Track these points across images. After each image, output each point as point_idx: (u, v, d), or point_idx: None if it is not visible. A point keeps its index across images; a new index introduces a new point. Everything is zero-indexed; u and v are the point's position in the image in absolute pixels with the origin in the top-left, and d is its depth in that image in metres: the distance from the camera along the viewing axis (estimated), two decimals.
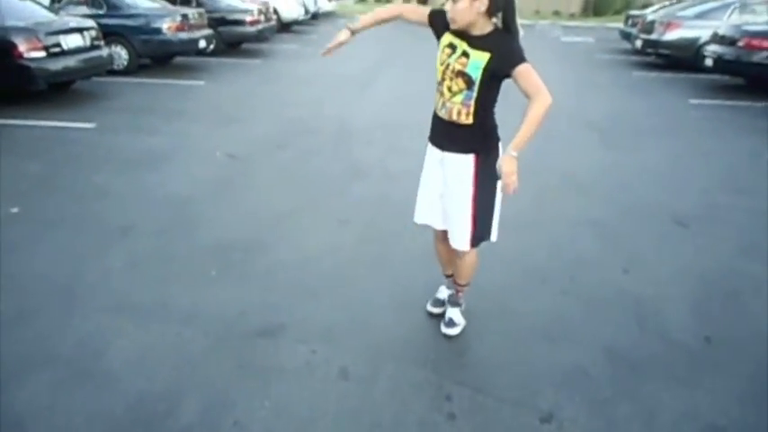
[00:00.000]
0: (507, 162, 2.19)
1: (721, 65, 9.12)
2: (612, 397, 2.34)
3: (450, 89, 2.29)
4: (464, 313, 2.80)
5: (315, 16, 21.82)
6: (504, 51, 2.18)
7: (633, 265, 3.46)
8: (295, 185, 4.74)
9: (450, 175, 2.43)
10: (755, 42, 8.51)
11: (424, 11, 2.44)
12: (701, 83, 9.93)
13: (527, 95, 2.19)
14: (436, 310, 2.89)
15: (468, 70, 2.21)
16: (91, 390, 2.31)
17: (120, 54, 9.08)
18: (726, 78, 9.72)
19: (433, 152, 2.50)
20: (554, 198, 4.50)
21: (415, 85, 9.36)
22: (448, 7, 2.20)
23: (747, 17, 11.03)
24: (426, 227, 2.69)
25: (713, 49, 9.34)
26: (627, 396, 2.35)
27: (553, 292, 3.14)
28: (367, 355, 2.57)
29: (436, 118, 2.43)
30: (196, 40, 9.83)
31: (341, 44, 2.51)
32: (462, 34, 2.25)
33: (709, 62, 9.38)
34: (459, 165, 2.38)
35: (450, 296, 2.84)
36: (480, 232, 2.47)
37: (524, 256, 3.52)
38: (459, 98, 2.28)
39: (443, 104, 2.34)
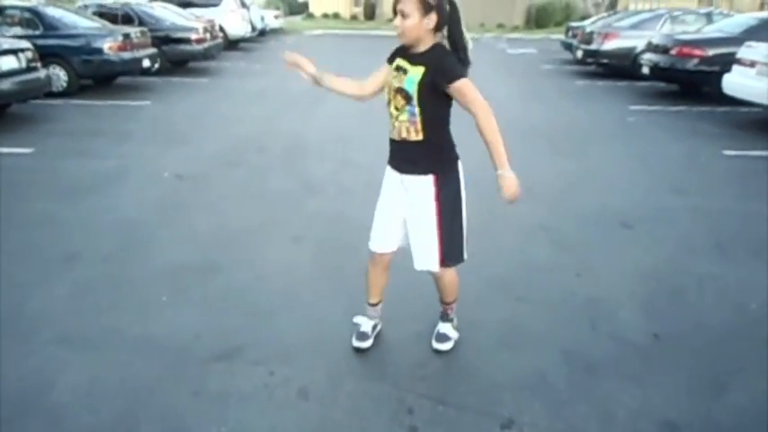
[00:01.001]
0: (511, 183, 2.28)
1: (657, 72, 9.56)
2: (570, 399, 2.38)
3: (396, 108, 2.30)
4: (456, 327, 2.76)
5: (262, 33, 21.72)
6: (438, 65, 2.19)
7: (585, 268, 3.55)
8: (247, 204, 4.67)
9: (412, 198, 2.41)
10: (687, 50, 8.96)
11: (382, 69, 2.44)
12: (640, 90, 10.37)
13: (468, 111, 2.22)
14: (364, 345, 2.69)
15: (404, 86, 2.24)
16: (36, 430, 2.19)
17: (59, 75, 8.80)
18: (662, 85, 10.18)
19: (392, 176, 2.47)
20: (506, 205, 4.57)
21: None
22: (397, 22, 2.20)
23: (678, 27, 11.64)
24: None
25: (649, 57, 9.79)
26: (584, 397, 2.39)
27: (509, 299, 3.18)
28: (326, 374, 2.53)
29: (391, 142, 2.41)
30: (140, 60, 9.61)
31: (299, 69, 2.50)
32: (407, 53, 2.28)
33: (645, 70, 9.82)
34: (419, 186, 2.37)
35: (441, 313, 2.75)
36: (449, 252, 2.44)
37: (479, 264, 3.53)
38: (404, 116, 2.28)
39: (393, 125, 2.35)
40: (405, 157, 2.38)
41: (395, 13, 2.20)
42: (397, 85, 2.27)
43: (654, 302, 3.15)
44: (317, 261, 3.66)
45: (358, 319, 2.79)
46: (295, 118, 8.03)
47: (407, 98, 2.24)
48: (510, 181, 2.27)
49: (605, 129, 7.71)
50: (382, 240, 2.56)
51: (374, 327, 2.78)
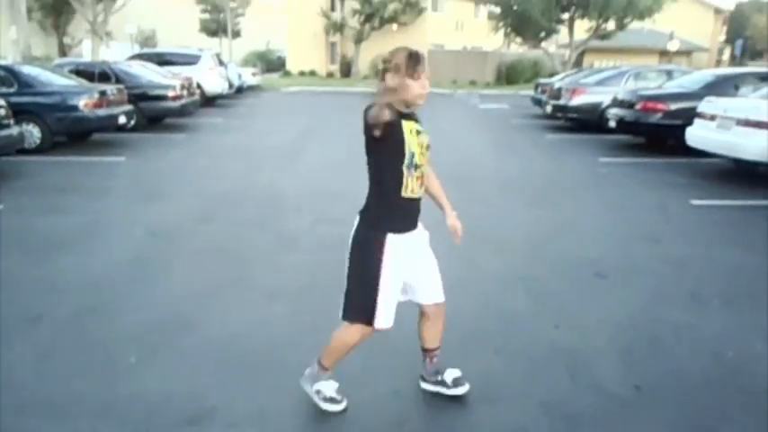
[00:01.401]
0: (456, 219, 2.55)
1: (623, 126, 9.91)
2: None
3: (417, 166, 2.29)
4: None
5: (240, 90, 22.05)
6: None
7: (562, 319, 3.54)
8: (221, 259, 4.60)
9: (416, 248, 2.44)
10: (650, 105, 9.35)
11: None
12: (608, 143, 10.70)
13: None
14: (340, 407, 2.57)
15: (429, 142, 2.37)
16: None
17: (33, 132, 8.74)
18: (628, 138, 10.53)
19: (403, 242, 2.35)
20: (481, 257, 4.59)
21: (341, 154, 9.52)
22: (426, 87, 2.24)
23: (641, 83, 12.16)
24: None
25: (615, 111, 10.16)
26: None
27: (487, 352, 3.14)
28: None
29: (410, 202, 2.33)
30: (115, 116, 9.63)
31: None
32: (405, 115, 2.26)
33: (612, 124, 10.17)
34: (419, 235, 2.46)
35: (435, 365, 2.69)
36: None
37: (456, 316, 3.49)
38: (419, 171, 2.32)
39: (421, 183, 2.33)
40: (416, 214, 2.43)
41: (424, 75, 2.23)
42: (427, 142, 2.34)
43: (632, 352, 3.14)
44: (293, 317, 3.59)
45: (319, 386, 2.61)
46: (270, 173, 8.06)
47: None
48: (457, 218, 2.57)
49: (577, 180, 7.89)
50: (393, 316, 2.41)
51: (336, 388, 2.63)
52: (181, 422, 2.52)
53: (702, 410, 2.63)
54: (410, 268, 2.43)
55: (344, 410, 2.58)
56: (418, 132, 2.30)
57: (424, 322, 2.62)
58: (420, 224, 2.47)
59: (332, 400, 2.59)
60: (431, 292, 2.52)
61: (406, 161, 2.24)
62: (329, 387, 2.61)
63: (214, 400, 2.67)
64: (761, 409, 2.61)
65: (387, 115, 2.10)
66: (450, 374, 2.69)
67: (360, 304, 2.38)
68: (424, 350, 2.69)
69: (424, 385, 2.74)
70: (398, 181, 2.27)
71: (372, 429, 2.50)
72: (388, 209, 2.33)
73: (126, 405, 2.64)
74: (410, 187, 2.29)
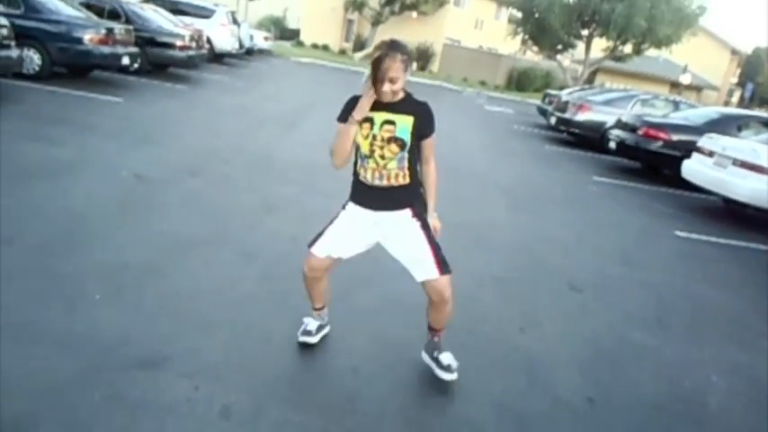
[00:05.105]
0: (436, 220, 2.65)
1: (623, 148, 9.93)
2: None
3: (382, 157, 2.41)
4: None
5: (249, 52, 21.83)
6: (425, 116, 2.44)
7: (529, 323, 3.56)
8: (202, 214, 4.56)
9: (390, 230, 2.56)
10: (652, 132, 9.37)
11: (347, 133, 2.48)
12: (605, 162, 10.74)
13: (424, 160, 2.55)
14: (310, 340, 2.82)
15: (398, 134, 2.39)
16: None
17: (33, 58, 8.58)
18: (625, 161, 10.57)
19: (360, 213, 2.56)
20: (460, 253, 4.58)
21: None
22: (386, 89, 2.31)
23: (647, 109, 12.19)
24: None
25: (616, 133, 10.18)
26: None
27: (451, 344, 3.14)
28: (253, 396, 2.43)
29: (367, 187, 2.50)
30: (119, 56, 9.49)
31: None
32: (383, 105, 2.39)
33: (612, 145, 10.19)
34: (396, 218, 2.54)
35: (435, 343, 2.79)
36: (442, 259, 2.56)
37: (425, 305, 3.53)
38: (393, 163, 2.43)
39: (379, 174, 2.45)
40: (386, 199, 2.51)
41: (381, 81, 2.29)
42: (388, 135, 2.39)
43: (592, 366, 3.16)
44: (263, 281, 3.57)
45: (306, 319, 2.88)
46: (266, 138, 7.99)
47: (402, 146, 2.40)
48: (438, 221, 2.67)
49: (568, 194, 7.91)
50: (327, 249, 2.60)
51: (320, 327, 2.87)
52: (133, 364, 2.50)
53: None
54: (392, 249, 2.61)
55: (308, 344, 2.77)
56: (385, 123, 2.39)
57: (428, 301, 2.70)
58: (405, 211, 2.54)
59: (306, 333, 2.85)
60: (418, 269, 2.58)
61: (358, 152, 2.48)
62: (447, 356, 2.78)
63: (170, 349, 2.65)
64: None
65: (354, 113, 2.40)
66: (446, 358, 2.76)
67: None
68: (428, 326, 2.80)
69: (423, 355, 2.84)
70: (357, 166, 2.53)
71: (326, 400, 2.50)
72: (352, 184, 2.61)
73: (82, 339, 2.61)
74: (362, 174, 2.50)
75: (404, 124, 2.40)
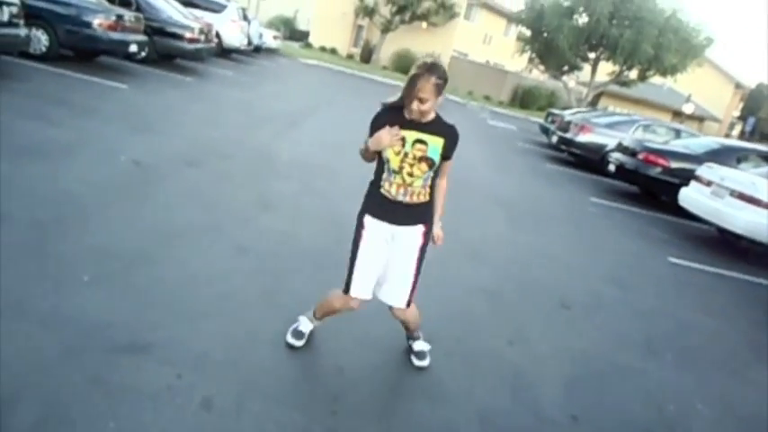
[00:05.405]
0: (440, 230, 2.73)
1: (622, 172, 9.95)
2: None
3: (410, 175, 2.46)
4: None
5: (257, 49, 21.86)
6: (453, 138, 2.51)
7: (517, 337, 3.55)
8: (198, 205, 4.54)
9: (400, 246, 2.60)
10: (652, 158, 9.39)
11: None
12: (603, 185, 10.76)
13: (440, 173, 2.60)
14: (297, 343, 2.81)
15: (429, 155, 2.45)
16: None
17: (41, 39, 8.55)
18: (624, 185, 10.59)
19: (379, 226, 2.57)
20: (453, 264, 4.58)
21: (341, 134, 9.47)
22: (414, 107, 2.36)
23: (648, 135, 12.23)
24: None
25: (617, 156, 10.20)
26: None
27: (438, 353, 3.13)
28: (235, 389, 2.41)
29: (389, 201, 2.52)
30: (127, 43, 9.47)
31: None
32: (415, 124, 2.43)
33: (611, 168, 10.21)
34: (409, 236, 2.59)
35: (412, 336, 2.96)
36: (414, 289, 2.69)
37: None
38: (419, 182, 2.49)
39: (404, 190, 2.49)
40: (406, 214, 2.55)
41: (411, 98, 2.34)
42: (420, 154, 2.44)
43: (577, 384, 3.15)
44: (254, 276, 3.55)
45: (301, 318, 2.88)
46: (268, 135, 7.98)
47: (431, 165, 2.47)
48: (441, 230, 2.76)
49: (565, 213, 7.92)
50: (366, 288, 2.63)
51: (312, 330, 2.87)
52: (117, 349, 2.48)
53: None
54: (385, 260, 2.62)
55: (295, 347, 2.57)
56: (417, 142, 2.43)
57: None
58: (419, 227, 2.59)
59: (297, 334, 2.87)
60: (391, 293, 2.67)
61: (385, 166, 2.49)
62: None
63: (155, 336, 2.63)
64: None
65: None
66: (419, 346, 2.94)
67: (346, 273, 2.65)
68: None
69: (406, 338, 3.01)
70: (379, 178, 2.54)
71: (309, 398, 2.48)
72: (368, 195, 2.61)
73: (67, 320, 2.59)
74: (387, 188, 2.51)
75: (435, 145, 2.46)
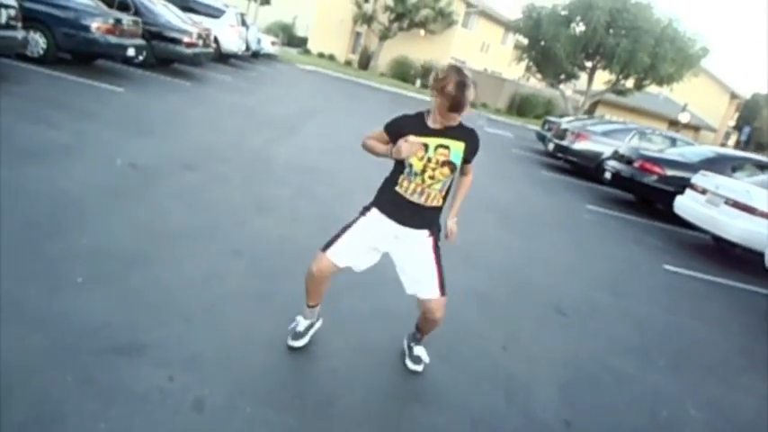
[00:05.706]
0: (454, 225, 2.77)
1: (618, 180, 9.99)
2: None
3: (432, 177, 2.50)
4: None
5: (255, 55, 21.90)
6: (474, 143, 2.58)
7: (511, 342, 3.55)
8: (194, 208, 4.54)
9: (406, 246, 2.63)
10: (648, 166, 9.43)
11: (381, 133, 2.60)
12: (599, 192, 10.80)
13: (465, 171, 2.70)
14: (297, 344, 2.81)
15: (452, 159, 2.50)
16: None
17: (38, 42, 8.57)
18: (619, 192, 10.63)
19: (383, 222, 2.61)
20: (450, 269, 4.57)
21: (339, 139, 9.49)
22: (466, 113, 2.41)
23: (644, 143, 12.29)
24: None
25: (612, 164, 10.24)
26: None
27: (431, 356, 3.13)
28: (228, 391, 2.40)
29: (403, 200, 2.55)
30: (125, 47, 9.48)
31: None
32: (437, 130, 2.48)
33: (607, 175, 10.24)
34: (415, 237, 2.62)
35: (415, 335, 2.93)
36: (443, 279, 2.68)
37: (409, 317, 3.51)
38: (438, 185, 2.53)
39: (422, 191, 2.53)
40: (417, 216, 2.59)
41: (462, 106, 2.37)
42: (443, 159, 2.49)
43: (571, 389, 3.15)
44: (248, 278, 3.55)
45: (298, 318, 2.87)
46: (265, 139, 7.99)
47: (453, 170, 2.52)
48: (456, 224, 2.80)
49: (560, 220, 7.94)
50: (342, 256, 2.62)
51: (310, 326, 2.87)
52: (110, 350, 2.47)
53: None
54: (400, 262, 2.68)
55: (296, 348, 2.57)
56: (440, 147, 2.47)
57: (420, 315, 2.81)
58: (424, 231, 2.62)
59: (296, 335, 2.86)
60: (421, 287, 2.67)
61: (406, 168, 2.51)
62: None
63: (148, 338, 2.62)
64: None
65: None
66: (419, 351, 2.93)
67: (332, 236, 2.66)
68: (416, 326, 2.92)
69: (404, 341, 3.03)
70: (397, 176, 2.56)
71: (302, 401, 2.47)
72: (381, 191, 2.65)
73: (60, 321, 2.58)
74: (404, 186, 2.54)
75: (456, 150, 2.50)
